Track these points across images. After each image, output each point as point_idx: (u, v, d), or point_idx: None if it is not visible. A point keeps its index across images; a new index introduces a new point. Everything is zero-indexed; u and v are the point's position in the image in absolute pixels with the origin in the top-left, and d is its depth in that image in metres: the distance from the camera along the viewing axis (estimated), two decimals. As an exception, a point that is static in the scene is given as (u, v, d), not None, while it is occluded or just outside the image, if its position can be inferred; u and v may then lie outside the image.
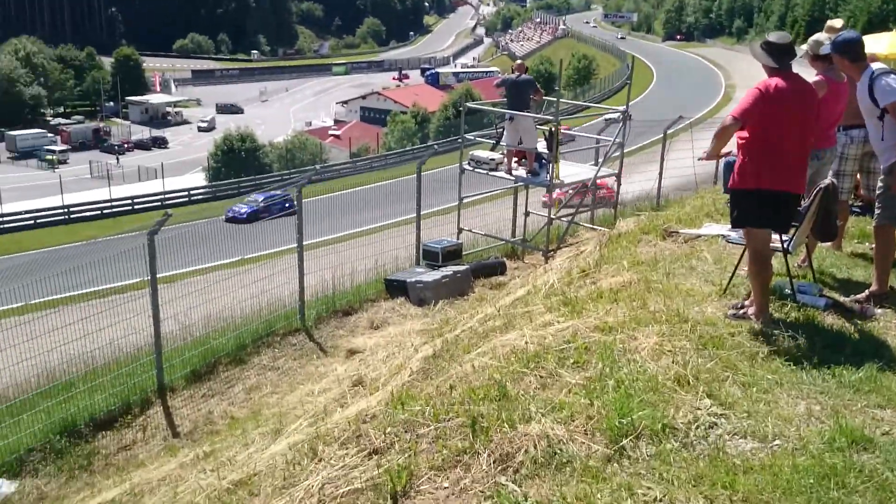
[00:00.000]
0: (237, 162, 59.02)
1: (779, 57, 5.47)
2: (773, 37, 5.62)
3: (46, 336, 9.78)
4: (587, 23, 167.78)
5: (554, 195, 14.32)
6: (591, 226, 14.16)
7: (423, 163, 14.04)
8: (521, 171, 13.91)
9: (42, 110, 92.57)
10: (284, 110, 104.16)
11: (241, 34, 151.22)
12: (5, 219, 43.80)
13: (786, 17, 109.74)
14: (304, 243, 12.00)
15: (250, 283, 12.39)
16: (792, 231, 5.97)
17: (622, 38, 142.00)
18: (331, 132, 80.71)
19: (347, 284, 12.97)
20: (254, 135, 63.90)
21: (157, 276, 10.07)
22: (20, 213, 45.05)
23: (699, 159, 6.57)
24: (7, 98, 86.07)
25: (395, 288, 12.56)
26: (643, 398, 4.34)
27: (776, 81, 5.40)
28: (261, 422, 7.97)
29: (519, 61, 15.18)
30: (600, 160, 14.58)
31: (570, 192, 14.84)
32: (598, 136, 15.76)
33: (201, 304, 11.76)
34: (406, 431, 4.48)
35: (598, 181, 14.48)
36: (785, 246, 5.99)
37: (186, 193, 51.11)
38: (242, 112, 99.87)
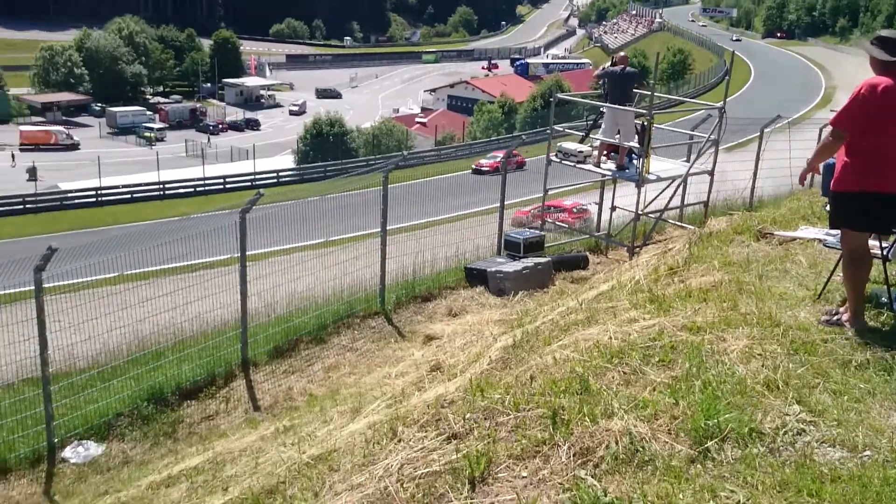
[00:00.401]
0: (325, 146, 59.93)
1: (892, 50, 5.25)
2: (885, 32, 5.41)
3: (138, 306, 10.16)
4: (691, 21, 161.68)
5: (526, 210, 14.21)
6: (679, 223, 13.88)
7: (509, 153, 13.98)
8: (611, 165, 13.71)
9: (142, 88, 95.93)
10: (373, 96, 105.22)
11: (336, 20, 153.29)
12: (104, 191, 45.52)
13: (894, 16, 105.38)
14: (388, 228, 12.12)
15: (332, 264, 12.57)
16: (892, 238, 5.75)
17: (737, 39, 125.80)
18: (417, 119, 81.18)
19: (427, 271, 13.06)
20: (342, 119, 64.74)
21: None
22: (118, 188, 46.74)
23: (799, 183, 6.34)
24: (109, 75, 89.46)
25: (475, 277, 12.58)
26: (730, 401, 4.23)
27: (882, 81, 5.17)
28: (339, 400, 8.09)
29: (622, 53, 14.81)
30: (693, 156, 14.26)
31: (533, 212, 14.65)
32: (692, 132, 15.42)
33: (285, 283, 12.01)
34: (485, 419, 4.47)
35: (570, 204, 14.30)
36: (884, 253, 5.77)
37: (275, 175, 52.20)
38: (340, 97, 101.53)
